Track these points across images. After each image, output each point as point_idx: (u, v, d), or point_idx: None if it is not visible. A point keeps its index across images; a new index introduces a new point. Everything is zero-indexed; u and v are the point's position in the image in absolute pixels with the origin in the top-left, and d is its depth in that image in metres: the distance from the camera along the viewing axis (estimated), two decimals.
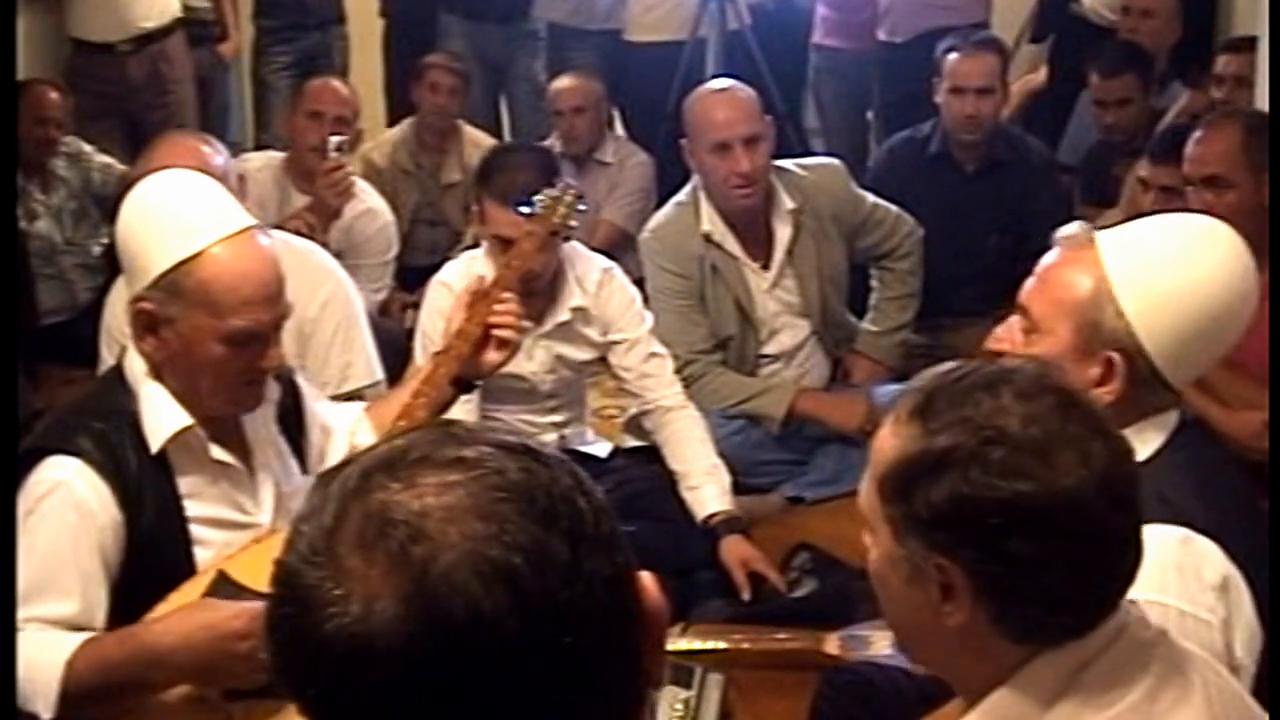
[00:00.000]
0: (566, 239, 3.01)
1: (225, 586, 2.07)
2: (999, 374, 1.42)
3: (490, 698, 0.84)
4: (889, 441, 1.42)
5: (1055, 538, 1.35)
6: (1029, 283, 1.91)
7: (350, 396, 2.96)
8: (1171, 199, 3.27)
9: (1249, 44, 4.15)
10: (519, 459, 0.89)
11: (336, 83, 4.50)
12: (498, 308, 2.42)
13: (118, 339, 2.80)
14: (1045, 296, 1.87)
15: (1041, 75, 5.48)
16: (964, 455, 1.35)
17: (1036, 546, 1.34)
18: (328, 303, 3.12)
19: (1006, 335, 1.90)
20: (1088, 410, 1.42)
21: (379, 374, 3.16)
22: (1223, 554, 1.73)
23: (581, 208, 2.76)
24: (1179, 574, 1.71)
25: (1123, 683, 1.37)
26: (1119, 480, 1.38)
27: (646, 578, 0.93)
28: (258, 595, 1.97)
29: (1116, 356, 1.81)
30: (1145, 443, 1.81)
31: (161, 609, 2.06)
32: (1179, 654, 1.43)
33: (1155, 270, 1.82)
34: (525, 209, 2.72)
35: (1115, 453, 1.39)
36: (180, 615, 2.01)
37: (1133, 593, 1.60)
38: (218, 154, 3.06)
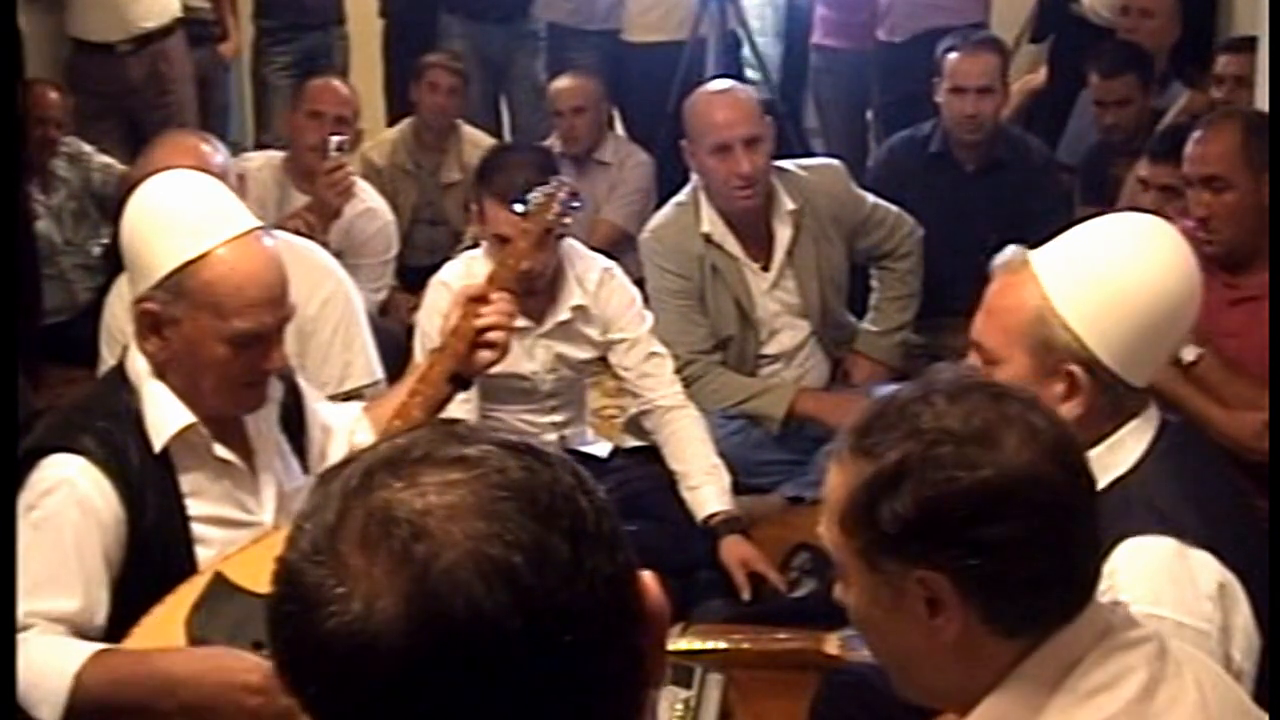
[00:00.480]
0: (561, 237, 3.01)
1: (222, 587, 2.07)
2: (924, 387, 1.45)
3: (491, 696, 0.84)
4: (837, 480, 1.44)
5: (1023, 516, 1.37)
6: (977, 317, 1.92)
7: (350, 395, 2.96)
8: (1171, 198, 3.27)
9: (1249, 44, 4.15)
10: (520, 458, 0.89)
11: (337, 82, 4.50)
12: (488, 309, 2.41)
13: (118, 339, 2.81)
14: (994, 327, 1.88)
15: (1041, 75, 5.47)
16: (915, 462, 1.37)
17: (1007, 529, 1.36)
18: (328, 302, 3.12)
19: None
20: (1018, 394, 1.45)
21: (379, 373, 3.16)
22: (1216, 560, 1.73)
23: (576, 205, 2.75)
24: (1174, 585, 1.71)
25: (1114, 683, 1.37)
26: (1067, 448, 1.41)
27: (648, 577, 0.93)
28: (255, 596, 1.98)
29: (1076, 369, 1.81)
30: (1128, 451, 1.82)
31: (159, 610, 2.07)
32: (1173, 653, 1.43)
33: (1091, 278, 1.83)
34: (519, 207, 2.73)
35: (1055, 424, 1.42)
36: (202, 652, 2.02)
37: (1128, 606, 1.61)
38: (217, 153, 3.07)
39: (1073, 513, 1.40)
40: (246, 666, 1.97)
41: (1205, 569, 1.73)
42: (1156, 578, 1.70)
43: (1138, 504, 1.74)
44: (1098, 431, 1.79)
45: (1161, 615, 1.66)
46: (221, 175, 2.95)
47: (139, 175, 2.89)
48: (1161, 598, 1.69)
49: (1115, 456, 1.80)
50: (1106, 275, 1.83)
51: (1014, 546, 1.36)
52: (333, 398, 2.90)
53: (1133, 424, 1.85)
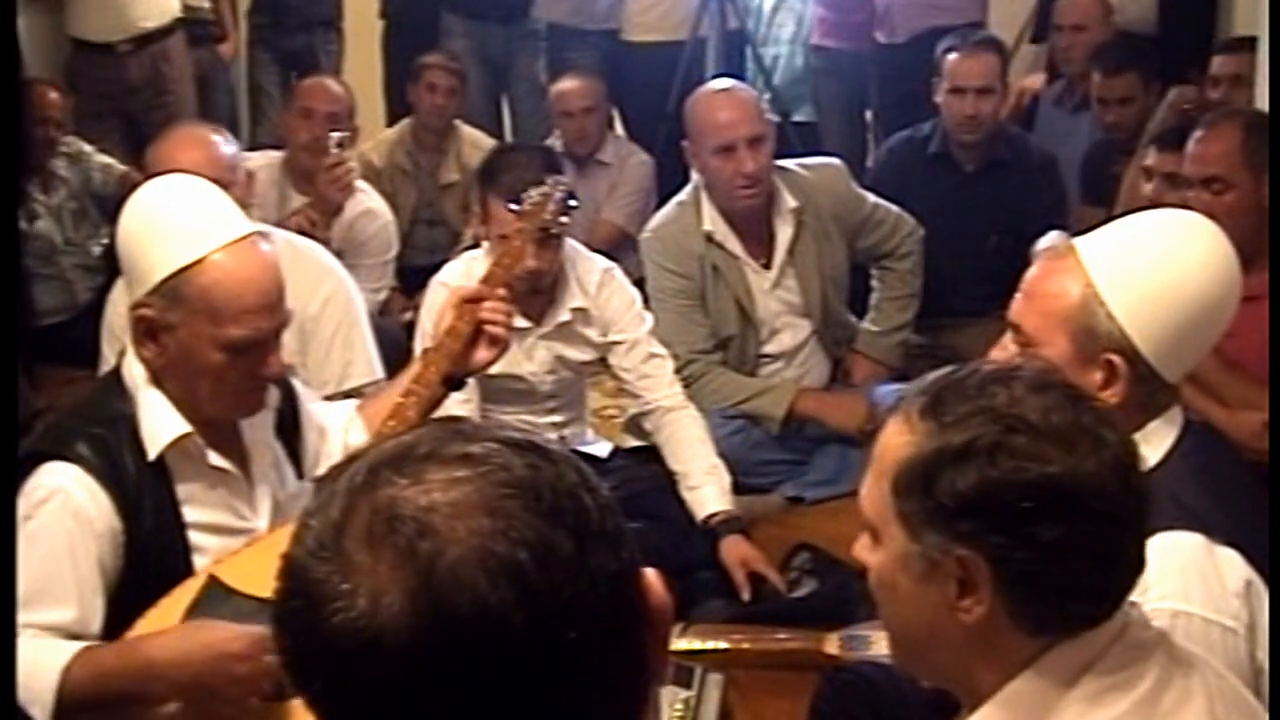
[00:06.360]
0: (556, 235, 3.00)
1: (216, 590, 2.06)
2: (1006, 370, 1.45)
3: (495, 692, 0.84)
4: (899, 440, 1.42)
5: (1081, 521, 1.36)
6: (1016, 300, 1.92)
7: (350, 394, 2.97)
8: (1175, 187, 3.26)
9: (1244, 44, 4.17)
10: (525, 455, 0.89)
11: (329, 80, 4.52)
12: (488, 305, 2.40)
13: (119, 337, 2.80)
14: (1035, 310, 1.88)
15: (1038, 80, 5.46)
16: (988, 443, 1.36)
17: (1063, 530, 1.35)
18: (329, 300, 3.12)
19: (1003, 355, 1.91)
20: (1092, 402, 1.45)
21: (379, 372, 3.16)
22: (1242, 558, 1.73)
23: (572, 204, 2.75)
24: (1202, 581, 1.71)
25: (1125, 683, 1.38)
26: (1129, 466, 1.41)
27: (651, 574, 0.94)
28: (249, 599, 1.98)
29: (1117, 358, 1.82)
30: (1154, 446, 1.81)
31: (153, 614, 2.06)
32: (1180, 655, 1.43)
33: (1139, 268, 1.84)
34: (514, 206, 2.73)
35: (1123, 441, 1.42)
36: (181, 631, 2.01)
37: (1157, 601, 1.60)
38: (227, 144, 3.07)
39: (1125, 530, 1.40)
40: (227, 636, 1.96)
41: (1232, 566, 1.73)
42: (1185, 573, 1.70)
43: (1164, 499, 1.73)
44: (1128, 424, 1.80)
45: (1190, 612, 1.67)
46: (231, 169, 2.96)
47: (150, 166, 2.90)
48: (1190, 594, 1.69)
49: (1142, 451, 1.81)
50: (1154, 268, 1.83)
51: (1063, 549, 1.35)
52: (333, 396, 2.90)
53: (1159, 420, 1.86)
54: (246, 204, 3.09)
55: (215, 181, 2.87)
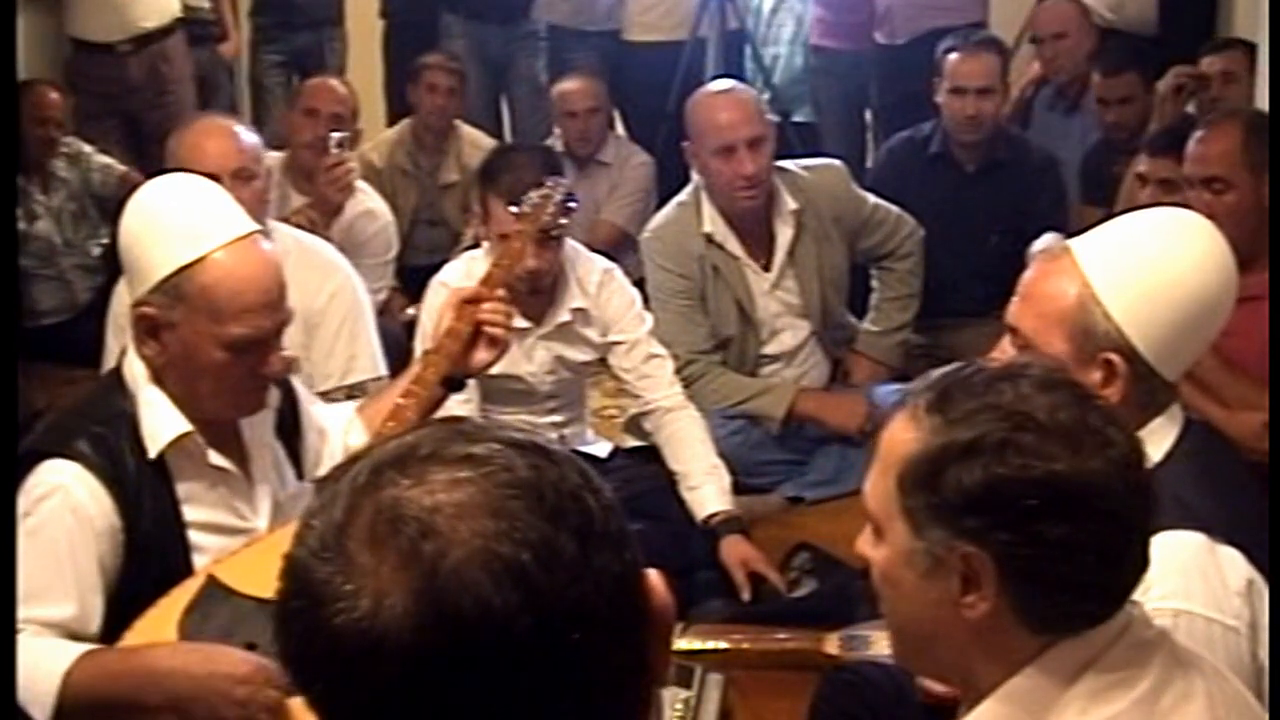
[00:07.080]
0: (556, 236, 3.01)
1: (215, 590, 2.07)
2: (1014, 368, 1.45)
3: (498, 693, 0.84)
4: (905, 435, 1.42)
5: (1086, 520, 1.36)
6: (1013, 302, 1.92)
7: (353, 389, 2.97)
8: (1170, 192, 3.27)
9: (1232, 44, 4.18)
10: (528, 456, 0.89)
11: (334, 81, 4.52)
12: (487, 306, 2.40)
13: (125, 329, 2.80)
14: (1032, 312, 1.89)
15: (1036, 67, 5.45)
16: (995, 440, 1.36)
17: (1068, 529, 1.35)
18: (335, 295, 3.14)
19: (1003, 357, 1.91)
20: (1099, 402, 1.44)
21: (382, 369, 3.18)
22: (1244, 557, 1.74)
23: (572, 205, 2.75)
24: (1204, 580, 1.71)
25: (1126, 681, 1.38)
26: (1136, 467, 1.41)
27: (654, 575, 0.94)
28: (247, 599, 1.99)
29: (1115, 358, 1.82)
30: (1155, 445, 1.81)
31: (151, 614, 2.06)
32: (1181, 654, 1.43)
33: (1135, 268, 1.84)
34: (514, 208, 2.73)
35: (1129, 441, 1.42)
36: (189, 645, 2.01)
37: (1159, 600, 1.60)
38: (249, 135, 3.07)
39: (1130, 529, 1.40)
40: (233, 659, 1.96)
41: (1234, 565, 1.73)
42: (1187, 572, 1.70)
43: (1166, 499, 1.74)
44: (1130, 423, 1.80)
45: (1192, 611, 1.67)
46: (256, 159, 2.97)
47: (173, 156, 2.90)
48: (1192, 593, 1.69)
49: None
50: (1150, 267, 1.84)
51: (1068, 547, 1.35)
52: (337, 390, 2.90)
53: (1159, 419, 1.86)
54: (267, 196, 3.10)
55: (241, 170, 2.91)
